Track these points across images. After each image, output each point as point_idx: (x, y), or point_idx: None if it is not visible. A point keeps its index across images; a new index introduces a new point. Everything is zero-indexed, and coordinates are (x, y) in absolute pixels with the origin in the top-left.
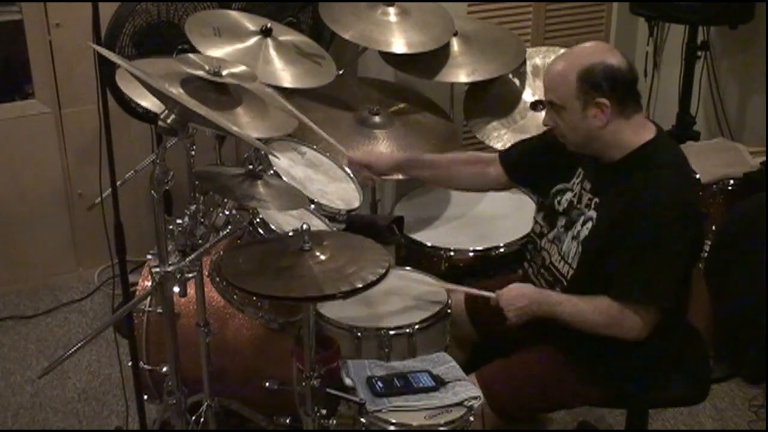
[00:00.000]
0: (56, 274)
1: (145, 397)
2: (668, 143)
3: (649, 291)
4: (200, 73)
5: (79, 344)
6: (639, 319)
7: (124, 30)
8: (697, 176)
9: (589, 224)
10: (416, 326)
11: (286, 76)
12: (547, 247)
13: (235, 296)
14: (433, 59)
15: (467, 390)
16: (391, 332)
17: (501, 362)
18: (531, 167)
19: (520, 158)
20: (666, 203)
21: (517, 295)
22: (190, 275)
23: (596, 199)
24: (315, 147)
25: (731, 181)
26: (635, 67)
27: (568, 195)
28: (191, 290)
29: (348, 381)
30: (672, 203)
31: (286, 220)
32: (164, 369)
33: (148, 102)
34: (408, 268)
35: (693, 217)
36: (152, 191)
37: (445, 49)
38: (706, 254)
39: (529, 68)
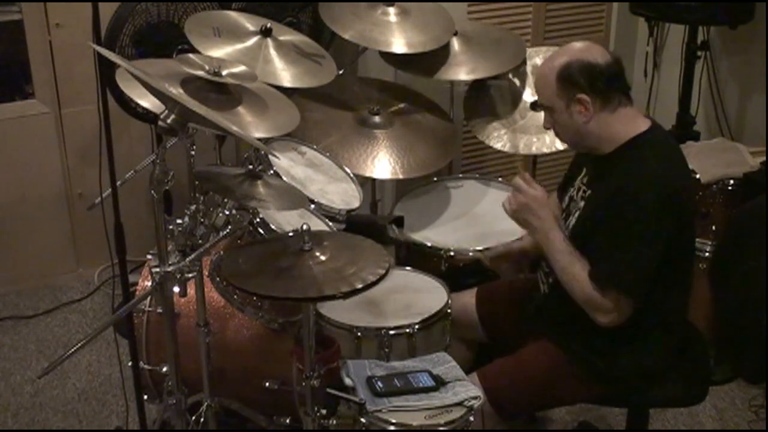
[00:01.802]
0: (56, 274)
1: (145, 397)
2: (661, 137)
3: (617, 278)
4: (200, 73)
5: (79, 344)
6: (609, 306)
7: (124, 30)
8: (698, 176)
9: (577, 214)
10: (416, 326)
11: (286, 75)
12: None
13: (235, 296)
14: (433, 59)
15: (467, 390)
16: (391, 332)
17: (501, 361)
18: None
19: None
20: (646, 193)
21: (534, 212)
22: (190, 275)
23: (589, 191)
24: (315, 147)
25: (731, 181)
26: (618, 61)
27: (571, 191)
28: (191, 290)
29: (348, 381)
30: (652, 193)
31: (286, 220)
32: (164, 369)
33: (148, 102)
34: (408, 268)
35: (674, 211)
36: (152, 191)
37: (445, 49)
38: (707, 254)
39: (529, 68)
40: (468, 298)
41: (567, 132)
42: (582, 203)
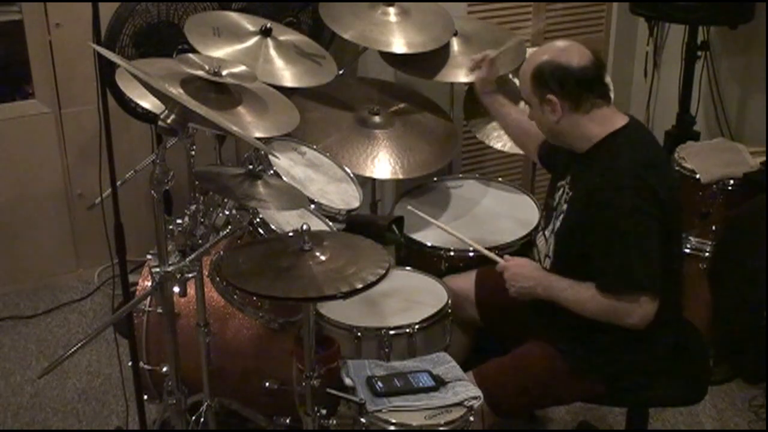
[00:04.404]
0: (56, 274)
1: (145, 397)
2: (636, 132)
3: (627, 279)
4: (200, 73)
5: (79, 344)
6: (632, 307)
7: (124, 30)
8: (698, 176)
9: (561, 217)
10: (416, 326)
11: (286, 75)
12: (539, 243)
13: (235, 296)
14: (433, 59)
15: (467, 390)
16: (391, 332)
17: (497, 360)
18: (551, 162)
19: (549, 152)
20: (622, 190)
21: (524, 275)
22: (190, 275)
23: (570, 193)
24: (315, 147)
25: (731, 181)
26: (597, 64)
27: (561, 191)
28: (191, 290)
29: (348, 381)
30: (627, 188)
31: (286, 220)
32: (164, 369)
33: (148, 102)
34: (408, 268)
35: (655, 200)
36: (152, 191)
37: (445, 49)
38: (707, 254)
39: None
40: (467, 279)
41: (542, 127)
42: (565, 206)
